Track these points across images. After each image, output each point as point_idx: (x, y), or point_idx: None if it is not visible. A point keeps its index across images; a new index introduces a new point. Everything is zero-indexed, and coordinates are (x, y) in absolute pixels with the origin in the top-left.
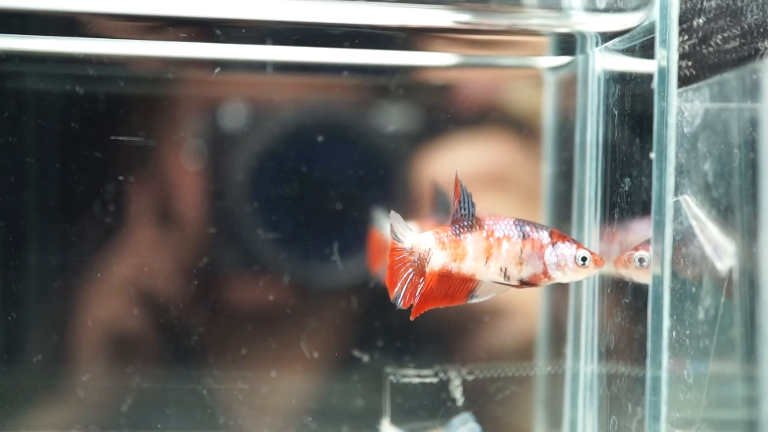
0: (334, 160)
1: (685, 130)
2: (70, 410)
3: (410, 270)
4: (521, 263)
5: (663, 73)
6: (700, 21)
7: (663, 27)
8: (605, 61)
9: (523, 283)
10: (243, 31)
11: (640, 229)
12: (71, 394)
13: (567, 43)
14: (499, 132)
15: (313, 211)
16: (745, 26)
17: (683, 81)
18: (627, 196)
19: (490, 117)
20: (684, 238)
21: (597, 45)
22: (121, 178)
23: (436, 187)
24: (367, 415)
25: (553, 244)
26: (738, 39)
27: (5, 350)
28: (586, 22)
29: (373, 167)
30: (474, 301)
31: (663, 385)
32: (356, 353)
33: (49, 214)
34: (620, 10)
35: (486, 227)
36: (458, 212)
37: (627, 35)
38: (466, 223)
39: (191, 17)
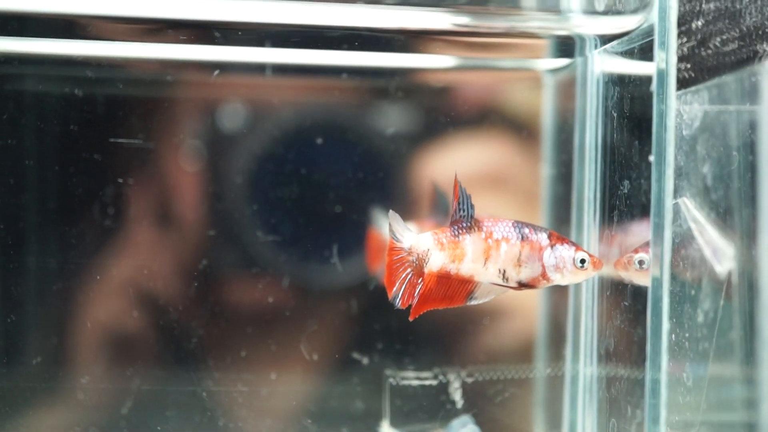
0: (333, 162)
1: (684, 132)
2: (69, 413)
3: (408, 270)
4: (520, 265)
5: (662, 75)
6: (699, 23)
7: (662, 29)
8: (604, 63)
9: (522, 285)
10: (239, 33)
11: (639, 231)
12: (71, 396)
13: (566, 46)
14: (498, 134)
15: (312, 213)
16: (744, 29)
17: (682, 83)
18: (626, 198)
19: (489, 119)
20: (683, 240)
21: (596, 47)
22: (120, 180)
23: (435, 188)
24: (366, 418)
25: (552, 246)
26: (737, 41)
27: (5, 352)
28: (584, 25)
29: (372, 169)
30: (473, 302)
31: (662, 388)
32: (356, 355)
33: (48, 217)
34: (619, 12)
35: (485, 229)
36: (457, 213)
37: (626, 38)
38: (465, 225)
39: (190, 20)
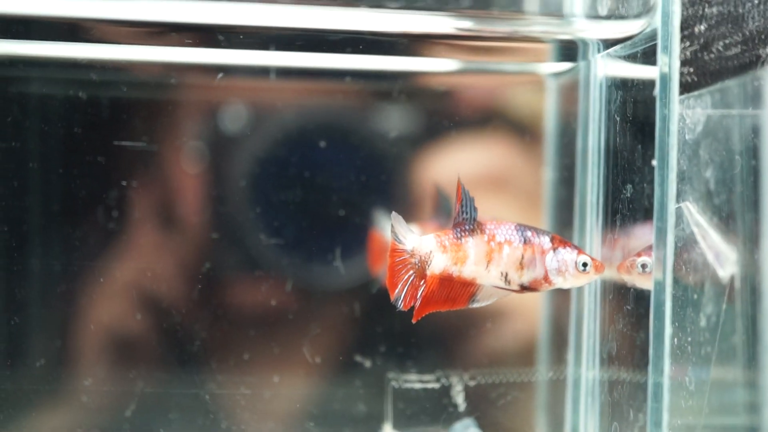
0: (336, 165)
1: (687, 137)
2: (73, 415)
3: (411, 272)
4: (522, 268)
5: (665, 79)
6: (702, 28)
7: (665, 34)
8: (607, 67)
9: (524, 288)
10: (243, 37)
11: (642, 234)
12: (74, 398)
13: (569, 50)
14: (501, 137)
15: (315, 216)
16: (747, 33)
17: (685, 88)
18: (629, 202)
19: (492, 122)
20: (686, 245)
21: (599, 51)
22: (124, 183)
23: (438, 190)
24: (369, 421)
25: (555, 250)
26: (740, 46)
27: (8, 355)
28: (587, 29)
29: (375, 172)
30: (475, 305)
31: (665, 392)
32: (358, 358)
33: (52, 219)
34: (622, 17)
35: (487, 231)
36: (460, 216)
37: (629, 42)
38: (467, 227)
39: (194, 23)
